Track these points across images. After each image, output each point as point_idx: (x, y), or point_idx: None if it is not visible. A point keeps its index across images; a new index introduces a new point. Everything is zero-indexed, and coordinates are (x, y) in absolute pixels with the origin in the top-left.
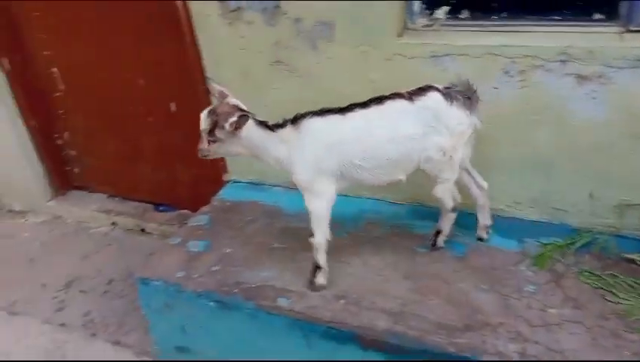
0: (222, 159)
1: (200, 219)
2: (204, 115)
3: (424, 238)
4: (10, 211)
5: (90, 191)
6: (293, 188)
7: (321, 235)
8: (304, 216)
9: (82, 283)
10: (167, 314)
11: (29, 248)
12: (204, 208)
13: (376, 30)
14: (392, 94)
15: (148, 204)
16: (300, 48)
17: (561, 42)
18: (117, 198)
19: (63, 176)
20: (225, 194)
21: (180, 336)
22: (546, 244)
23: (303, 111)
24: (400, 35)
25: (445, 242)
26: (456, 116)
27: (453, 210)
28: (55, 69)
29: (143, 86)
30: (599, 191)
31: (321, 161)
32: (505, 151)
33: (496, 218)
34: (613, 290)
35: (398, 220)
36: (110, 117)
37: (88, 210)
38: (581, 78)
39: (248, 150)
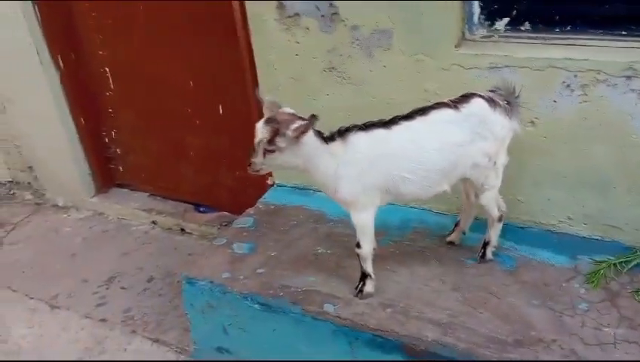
0: None
1: (245, 221)
2: (260, 125)
3: (471, 250)
4: (54, 206)
5: (132, 190)
6: None
7: (367, 246)
8: (348, 221)
9: (123, 279)
10: (210, 315)
11: (71, 243)
12: (249, 210)
13: (434, 40)
14: (435, 104)
15: (188, 205)
16: (354, 55)
17: (627, 58)
18: (158, 197)
19: (106, 174)
20: (269, 197)
21: (221, 337)
22: (599, 262)
23: (348, 125)
24: (458, 46)
25: (494, 255)
26: (500, 121)
27: (500, 219)
28: (107, 69)
29: (192, 87)
30: None
31: (367, 176)
32: (560, 165)
33: (547, 233)
34: None
35: (444, 230)
36: (157, 117)
37: (130, 208)
38: None
39: (302, 162)
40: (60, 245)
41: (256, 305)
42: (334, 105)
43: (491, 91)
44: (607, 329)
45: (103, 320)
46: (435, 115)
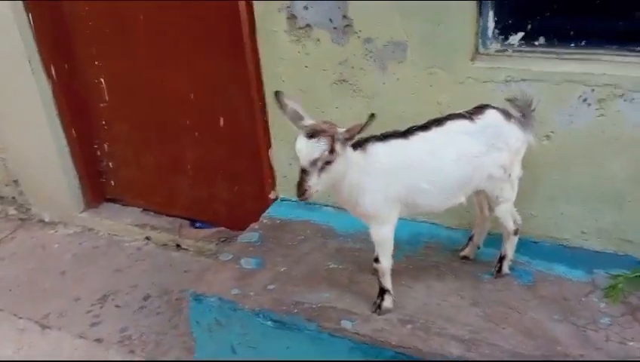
0: (270, 174)
1: (250, 236)
2: (307, 142)
3: (486, 265)
4: (40, 221)
5: (123, 205)
6: (343, 208)
7: (386, 261)
8: (359, 236)
9: (117, 297)
10: (218, 333)
11: (60, 260)
12: (254, 225)
13: (449, 53)
14: (450, 115)
15: (184, 220)
16: (367, 68)
17: None
18: (151, 212)
19: (97, 188)
20: (274, 212)
21: (229, 356)
22: (615, 276)
23: (366, 136)
24: (473, 60)
25: (509, 269)
26: (514, 133)
27: (516, 232)
28: (102, 80)
29: (193, 99)
30: None
31: (388, 187)
32: (575, 180)
33: (561, 247)
34: None
35: (456, 245)
36: (153, 129)
37: (122, 223)
38: None
39: (343, 173)
40: (49, 262)
41: (269, 322)
42: (343, 119)
43: (508, 101)
44: (632, 344)
45: (99, 340)
46: (450, 126)
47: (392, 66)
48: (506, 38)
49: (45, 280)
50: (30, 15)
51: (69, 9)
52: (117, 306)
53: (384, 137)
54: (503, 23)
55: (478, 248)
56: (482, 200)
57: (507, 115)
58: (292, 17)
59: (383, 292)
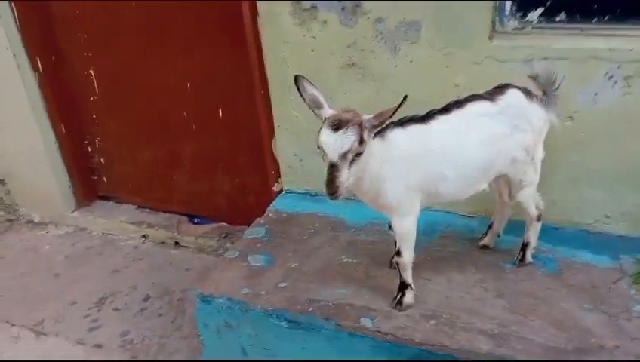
0: (273, 166)
1: (256, 231)
2: (332, 135)
3: (507, 253)
4: (30, 222)
5: (117, 202)
6: (354, 198)
7: (408, 254)
8: (370, 228)
9: (115, 300)
10: (227, 335)
11: (53, 262)
12: (259, 220)
13: (466, 32)
14: (470, 96)
15: (182, 216)
16: (377, 50)
17: None
18: (147, 209)
19: (88, 186)
20: (279, 205)
21: (239, 359)
22: None
23: None
24: (491, 38)
25: (532, 258)
26: (537, 112)
27: (539, 218)
28: (92, 72)
29: (190, 90)
30: None
31: (409, 176)
32: (599, 162)
33: (584, 233)
34: None
35: (473, 234)
36: (148, 122)
37: (116, 222)
38: None
39: (366, 164)
40: (41, 265)
41: (283, 322)
42: (353, 104)
43: (531, 78)
44: None
45: (98, 345)
46: (471, 108)
47: (404, 48)
48: (525, 15)
49: (38, 284)
50: (13, 5)
51: None
52: (116, 309)
53: (403, 123)
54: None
55: (498, 236)
56: (502, 185)
57: (529, 93)
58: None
59: (404, 286)
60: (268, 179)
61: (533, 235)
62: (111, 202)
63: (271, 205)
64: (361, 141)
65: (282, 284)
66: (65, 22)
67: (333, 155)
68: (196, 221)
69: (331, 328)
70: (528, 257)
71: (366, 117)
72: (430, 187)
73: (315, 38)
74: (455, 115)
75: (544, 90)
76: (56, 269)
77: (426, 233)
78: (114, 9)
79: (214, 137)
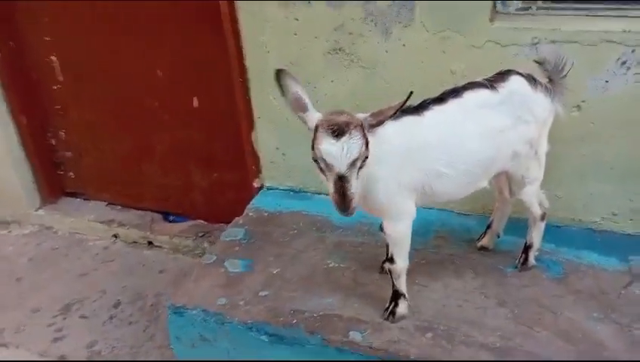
0: (253, 160)
1: (235, 232)
2: (337, 143)
3: (508, 255)
4: None
5: (85, 199)
6: None
7: (402, 260)
8: (359, 228)
9: (83, 306)
10: (202, 349)
11: (15, 265)
12: (238, 219)
13: (464, 13)
14: (468, 84)
15: (155, 214)
16: (367, 34)
17: None
18: (118, 206)
19: (54, 181)
20: (260, 203)
21: None
22: None
23: None
24: (492, 20)
25: (535, 260)
26: (541, 102)
27: (543, 217)
28: (54, 58)
29: (161, 78)
30: None
31: (402, 173)
32: (608, 155)
33: (589, 232)
34: None
35: (471, 234)
36: (116, 113)
37: (84, 220)
38: None
39: None
40: (2, 268)
41: (264, 336)
42: (340, 93)
43: (537, 63)
44: None
45: (63, 357)
46: (470, 97)
47: (396, 31)
48: None
49: None
50: None
51: None
52: (83, 317)
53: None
54: None
55: (498, 236)
56: (502, 180)
57: (533, 81)
58: None
59: (397, 296)
60: (247, 175)
61: (536, 236)
62: (78, 199)
63: (251, 203)
64: (367, 143)
65: (263, 293)
66: (25, 4)
67: (342, 166)
68: (171, 219)
69: (317, 343)
70: (531, 260)
71: (363, 116)
72: (425, 186)
73: (298, 20)
74: (452, 104)
75: (550, 78)
76: (18, 273)
77: (420, 233)
78: None
79: (189, 129)
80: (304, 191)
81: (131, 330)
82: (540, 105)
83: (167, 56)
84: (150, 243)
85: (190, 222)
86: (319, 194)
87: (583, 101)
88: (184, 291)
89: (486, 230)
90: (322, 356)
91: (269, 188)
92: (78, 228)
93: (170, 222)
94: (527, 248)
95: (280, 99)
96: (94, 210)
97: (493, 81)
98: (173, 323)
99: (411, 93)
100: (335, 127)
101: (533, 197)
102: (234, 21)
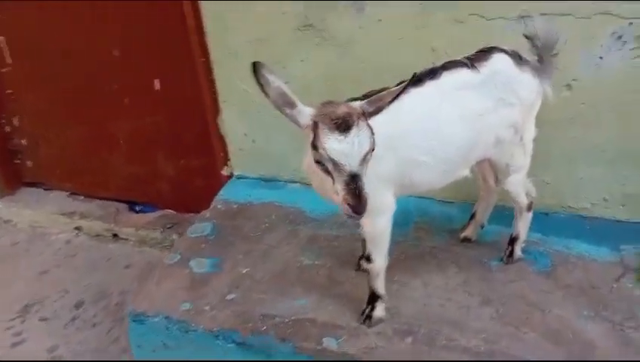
0: (221, 146)
1: (201, 228)
2: (346, 139)
3: (493, 247)
4: None
5: (46, 189)
6: None
7: (381, 259)
8: (335, 219)
9: (43, 307)
10: (166, 357)
11: None
12: (205, 213)
13: None
14: (446, 63)
15: (121, 204)
16: (339, 8)
17: None
18: (81, 197)
19: (10, 171)
20: (229, 193)
21: None
22: None
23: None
24: None
25: (522, 252)
26: (527, 83)
27: (529, 207)
28: (2, 38)
29: (118, 58)
30: None
31: (379, 163)
32: (600, 137)
33: (578, 219)
34: None
35: (453, 224)
36: (74, 97)
37: (45, 212)
38: None
39: None
40: None
41: (232, 345)
42: (311, 74)
43: (527, 37)
44: None
45: None
46: (448, 78)
47: (371, 5)
48: None
49: None
50: None
51: None
52: (43, 319)
53: (365, 98)
54: None
55: (482, 227)
56: (486, 167)
57: (519, 59)
58: None
59: (374, 298)
60: (216, 162)
61: (523, 227)
62: (38, 189)
63: (219, 194)
64: (373, 134)
65: (230, 296)
66: None
67: (354, 163)
68: (137, 209)
69: (289, 351)
70: (518, 252)
71: (360, 104)
72: (404, 176)
73: None
74: (429, 86)
75: (539, 55)
76: None
77: (398, 224)
78: None
79: (152, 113)
80: (276, 180)
81: (95, 333)
82: (526, 87)
83: (123, 34)
84: (115, 235)
85: (158, 213)
86: (292, 182)
87: (575, 80)
88: (145, 295)
89: (469, 220)
90: None
91: (238, 177)
92: (38, 221)
93: (137, 212)
94: (513, 240)
95: (247, 82)
96: (55, 201)
97: (474, 60)
98: (133, 331)
99: (414, 75)
100: (339, 121)
101: (519, 186)
102: None
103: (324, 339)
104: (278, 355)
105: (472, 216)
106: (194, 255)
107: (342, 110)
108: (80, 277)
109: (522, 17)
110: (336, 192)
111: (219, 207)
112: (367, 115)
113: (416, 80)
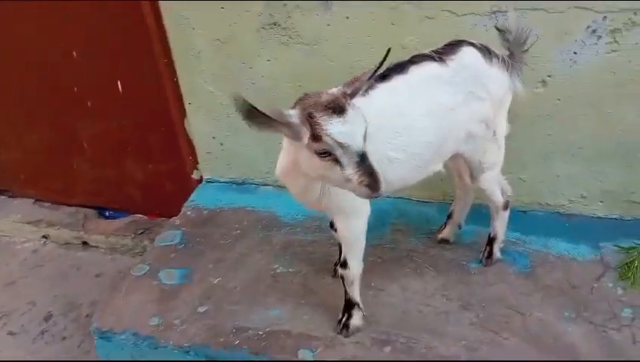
0: (189, 149)
1: (170, 236)
2: (346, 120)
3: (471, 248)
4: None
5: (10, 196)
6: (285, 187)
7: (357, 264)
8: (310, 224)
9: (10, 321)
10: None
11: None
12: (174, 220)
13: None
14: (414, 57)
15: (89, 210)
16: (305, 6)
17: None
18: (47, 204)
19: None
20: (199, 198)
21: None
22: (626, 249)
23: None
24: None
25: (501, 252)
26: (496, 77)
27: (506, 206)
28: None
29: (78, 59)
30: None
31: None
32: (576, 134)
33: (556, 216)
34: None
35: (431, 225)
36: (35, 100)
37: (9, 221)
38: None
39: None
40: None
41: (203, 360)
42: (277, 74)
43: (499, 30)
44: None
45: None
46: (416, 72)
47: (338, 2)
48: None
49: None
50: None
51: None
52: (10, 333)
53: None
54: None
55: (460, 228)
56: (461, 165)
57: (487, 52)
58: None
59: (350, 306)
60: (185, 166)
61: (500, 227)
62: (2, 197)
63: (189, 199)
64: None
65: (201, 309)
66: None
67: (359, 141)
68: (107, 215)
69: None
70: (496, 253)
71: (340, 89)
72: None
73: None
74: (397, 81)
75: (510, 50)
76: None
77: (375, 226)
78: None
79: (116, 116)
80: (247, 183)
81: (64, 347)
82: (496, 81)
83: (82, 35)
84: (84, 243)
85: (128, 218)
86: (264, 185)
87: (549, 75)
88: (112, 310)
89: (446, 221)
90: None
91: (208, 181)
92: (2, 230)
93: (107, 218)
94: (491, 240)
95: (212, 82)
96: (20, 209)
97: (442, 54)
98: (101, 349)
99: (389, 50)
100: (332, 105)
101: (493, 184)
102: None
103: (299, 352)
104: None
105: (449, 216)
106: (163, 265)
107: (327, 97)
108: (48, 288)
109: (494, 13)
110: (347, 180)
111: (188, 213)
112: (348, 96)
113: (384, 75)
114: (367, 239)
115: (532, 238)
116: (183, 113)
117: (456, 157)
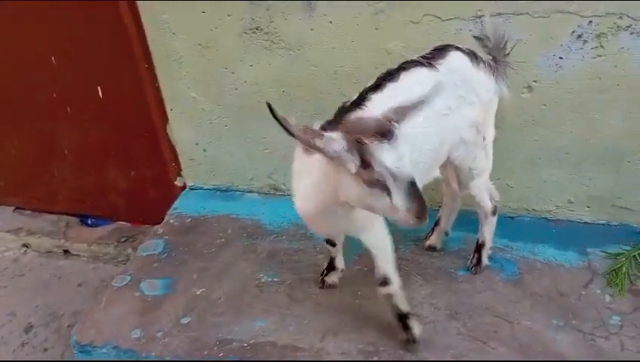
0: (172, 156)
1: (153, 245)
2: (392, 148)
3: (458, 255)
4: None
5: None
6: (271, 193)
7: (395, 276)
8: (295, 231)
9: None
10: None
11: None
12: (157, 228)
13: None
14: (403, 64)
15: (71, 217)
16: (288, 10)
17: None
18: (28, 211)
19: None
20: (182, 206)
21: None
22: (614, 255)
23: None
24: None
25: (489, 259)
26: (484, 81)
27: (494, 212)
28: None
29: (56, 65)
30: None
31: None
32: (562, 139)
33: (544, 222)
34: None
35: (419, 231)
36: (13, 107)
37: None
38: None
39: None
40: None
41: None
42: (262, 79)
43: (477, 39)
44: None
45: None
46: (407, 78)
47: (322, 5)
48: None
49: None
50: None
51: None
52: None
53: (337, 120)
54: None
55: (447, 234)
56: (449, 172)
57: (474, 57)
58: None
59: (404, 318)
60: (168, 172)
61: (488, 233)
62: None
63: (172, 207)
64: None
65: (185, 320)
66: None
67: (409, 169)
68: (90, 223)
69: None
70: (484, 260)
71: (377, 113)
72: None
73: None
74: (390, 90)
75: (492, 55)
76: None
77: None
78: None
79: (97, 122)
80: (232, 190)
81: (46, 358)
82: (483, 85)
83: (60, 40)
84: (66, 252)
85: (111, 226)
86: (249, 192)
87: (535, 81)
88: (92, 323)
89: (433, 227)
90: None
91: (192, 188)
92: None
93: (89, 226)
94: (479, 247)
95: (195, 88)
96: (1, 217)
97: (431, 59)
98: None
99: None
100: (382, 130)
101: (482, 190)
102: None
103: None
104: None
105: (436, 223)
106: (145, 276)
107: (374, 122)
108: (29, 298)
109: (478, 17)
110: (394, 209)
111: (171, 221)
112: (393, 121)
113: (376, 85)
114: (354, 247)
115: (520, 245)
116: (165, 119)
117: (444, 164)
